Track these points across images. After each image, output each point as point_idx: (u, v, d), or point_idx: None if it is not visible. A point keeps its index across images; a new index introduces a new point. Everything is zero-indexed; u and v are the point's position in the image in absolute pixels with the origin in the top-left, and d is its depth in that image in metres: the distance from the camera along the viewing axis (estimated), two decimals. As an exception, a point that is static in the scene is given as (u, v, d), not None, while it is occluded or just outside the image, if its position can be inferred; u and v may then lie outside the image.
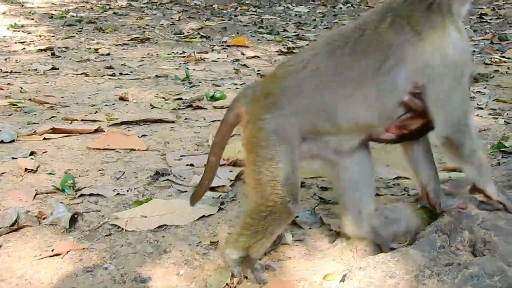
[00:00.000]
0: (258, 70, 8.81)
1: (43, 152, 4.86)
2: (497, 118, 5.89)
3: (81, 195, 4.05)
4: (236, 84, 7.76)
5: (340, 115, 2.97)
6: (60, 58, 9.53)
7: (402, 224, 3.27)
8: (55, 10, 15.47)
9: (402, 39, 2.90)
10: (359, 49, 2.95)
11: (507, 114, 6.02)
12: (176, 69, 8.72)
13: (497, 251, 2.76)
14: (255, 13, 16.44)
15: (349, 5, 19.04)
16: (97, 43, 11.07)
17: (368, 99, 2.93)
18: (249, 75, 8.52)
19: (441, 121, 2.95)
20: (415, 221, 3.30)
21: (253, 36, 12.46)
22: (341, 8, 18.30)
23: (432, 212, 3.33)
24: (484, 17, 14.40)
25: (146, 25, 13.39)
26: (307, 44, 11.29)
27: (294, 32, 13.20)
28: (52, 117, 5.95)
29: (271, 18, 15.48)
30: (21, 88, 7.19)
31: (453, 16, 2.96)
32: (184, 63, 9.16)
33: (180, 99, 6.82)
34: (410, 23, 2.92)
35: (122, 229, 3.58)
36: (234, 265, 3.09)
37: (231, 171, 4.43)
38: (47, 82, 7.66)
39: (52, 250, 3.30)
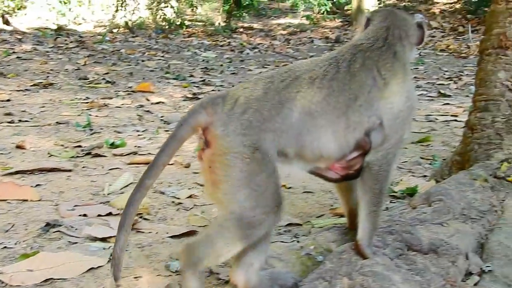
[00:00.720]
0: (162, 116, 8.83)
1: None
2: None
3: (-33, 249, 3.94)
4: (138, 131, 7.75)
5: (308, 143, 3.10)
6: (-43, 104, 9.28)
7: (288, 276, 3.34)
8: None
9: (371, 82, 3.19)
10: (335, 85, 3.15)
11: (399, 159, 6.23)
12: (78, 115, 8.62)
13: (373, 297, 2.86)
14: (162, 58, 16.52)
15: (256, 50, 19.40)
16: (-2, 88, 10.84)
17: (337, 133, 3.13)
18: (153, 121, 8.54)
19: (375, 153, 3.24)
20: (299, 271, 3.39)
21: (159, 82, 12.49)
22: (248, 53, 18.62)
23: (316, 260, 3.41)
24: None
25: (51, 70, 13.19)
26: (212, 90, 11.42)
27: (201, 77, 13.33)
28: None
29: (179, 63, 15.59)
30: None
31: (407, 62, 3.38)
32: (86, 109, 9.07)
33: (80, 146, 6.75)
34: (378, 67, 3.24)
35: (6, 284, 3.49)
36: None
37: (123, 221, 4.39)
38: None
39: None
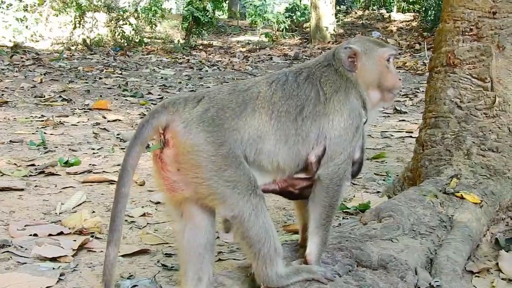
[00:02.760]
0: (118, 134, 8.77)
1: None
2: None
3: None
4: (93, 149, 7.69)
5: (265, 145, 3.18)
6: None
7: None
8: None
9: (315, 95, 3.31)
10: (286, 90, 3.30)
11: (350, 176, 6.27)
12: (33, 133, 8.52)
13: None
14: (120, 75, 16.44)
15: (215, 67, 19.43)
16: (-50, 108, 10.68)
17: (289, 141, 3.23)
18: (109, 139, 8.48)
19: (325, 167, 3.28)
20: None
21: (117, 99, 12.44)
22: (207, 70, 18.64)
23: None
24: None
25: (6, 87, 13.02)
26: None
27: (159, 94, 13.31)
28: None
29: (137, 81, 15.53)
30: None
31: (353, 83, 3.41)
32: (41, 128, 8.97)
33: (33, 165, 6.66)
34: (320, 82, 3.37)
35: (-49, 306, 3.43)
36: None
37: (75, 240, 4.35)
38: None
39: None
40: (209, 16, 26.70)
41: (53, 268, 3.93)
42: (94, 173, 6.45)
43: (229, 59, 22.48)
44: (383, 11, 32.49)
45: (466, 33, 4.68)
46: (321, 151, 3.30)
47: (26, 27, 23.88)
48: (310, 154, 3.29)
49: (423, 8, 28.76)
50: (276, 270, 3.14)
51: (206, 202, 3.15)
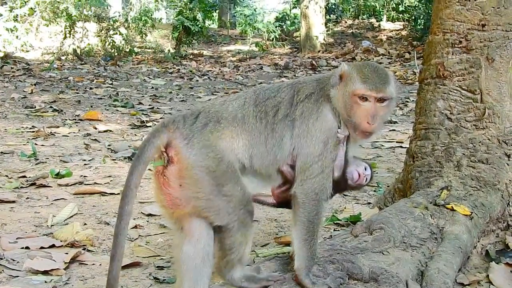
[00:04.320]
0: (109, 145, 8.77)
1: None
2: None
3: None
4: (84, 160, 7.67)
5: (255, 152, 3.31)
6: None
7: None
8: None
9: (289, 99, 3.40)
10: (267, 93, 3.45)
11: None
12: (24, 145, 8.51)
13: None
14: (111, 85, 16.42)
15: (205, 77, 19.44)
16: None
17: (268, 143, 3.33)
18: (100, 150, 8.47)
19: (298, 182, 3.33)
20: None
21: (107, 109, 12.42)
22: (197, 80, 18.65)
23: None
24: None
25: (-4, 98, 13.00)
26: (161, 117, 11.38)
27: (150, 105, 13.29)
28: None
29: (127, 91, 15.52)
30: None
31: (332, 100, 3.41)
32: (32, 139, 8.94)
33: (24, 177, 6.66)
34: (298, 88, 3.45)
35: None
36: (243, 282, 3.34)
37: (66, 253, 4.35)
38: None
39: None
40: (199, 26, 26.67)
41: (45, 282, 3.94)
42: (85, 184, 6.45)
43: (220, 69, 22.49)
44: (373, 20, 32.62)
45: (456, 45, 4.72)
46: (292, 160, 3.37)
47: (17, 37, 23.79)
48: (281, 163, 3.37)
49: (413, 17, 28.89)
50: (232, 274, 3.34)
51: (201, 214, 3.25)
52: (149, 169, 6.74)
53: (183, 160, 3.15)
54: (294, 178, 3.37)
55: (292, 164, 3.38)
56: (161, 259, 4.41)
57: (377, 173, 7.19)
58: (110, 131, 10.09)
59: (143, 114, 11.98)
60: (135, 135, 9.75)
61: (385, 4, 32.18)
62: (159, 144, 3.19)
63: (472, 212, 4.25)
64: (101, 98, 14.03)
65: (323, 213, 3.42)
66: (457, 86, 4.69)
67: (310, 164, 3.30)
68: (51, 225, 5.08)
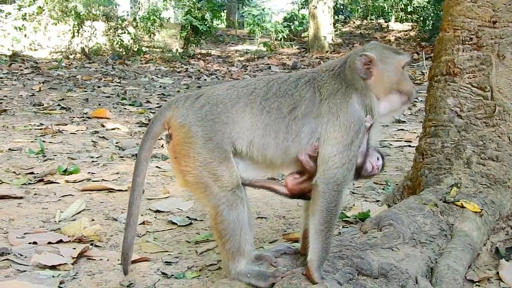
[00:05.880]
0: (117, 142, 8.76)
1: None
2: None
3: None
4: (92, 157, 7.67)
5: (256, 139, 3.41)
6: None
7: None
8: None
9: (310, 97, 3.42)
10: (282, 89, 3.49)
11: (353, 184, 6.28)
12: (32, 142, 8.50)
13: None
14: (119, 84, 16.43)
15: (213, 76, 19.44)
16: (-51, 116, 10.65)
17: (278, 137, 3.39)
18: (107, 147, 8.46)
19: (320, 172, 3.35)
20: None
21: (115, 108, 12.42)
22: (205, 79, 18.65)
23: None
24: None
25: (4, 96, 12.99)
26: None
27: (157, 103, 13.28)
28: None
29: (135, 89, 15.52)
30: None
31: (357, 89, 3.47)
32: (40, 136, 8.94)
33: (32, 173, 6.65)
34: (319, 85, 3.49)
35: (-49, 314, 3.41)
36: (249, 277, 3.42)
37: (74, 248, 4.33)
38: None
39: None
40: (207, 25, 26.71)
41: (53, 276, 3.92)
42: (93, 181, 6.43)
43: (227, 68, 22.50)
44: (381, 20, 32.62)
45: (466, 42, 4.69)
46: (312, 151, 3.40)
47: (25, 35, 23.89)
48: (300, 152, 3.41)
49: (421, 18, 28.88)
50: (236, 266, 3.44)
51: (192, 190, 3.55)
52: (157, 167, 6.75)
53: (175, 135, 3.43)
54: (311, 169, 3.43)
55: (311, 155, 3.42)
56: (169, 254, 4.39)
57: (385, 171, 7.15)
58: (118, 129, 10.08)
59: (151, 112, 11.97)
60: (143, 133, 9.71)
61: (394, 5, 32.13)
62: (164, 121, 3.52)
63: (482, 210, 4.22)
64: (109, 97, 14.03)
65: (341, 205, 3.48)
66: (467, 83, 4.66)
67: (334, 154, 3.35)
68: (59, 221, 5.07)
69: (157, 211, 5.41)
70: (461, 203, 4.21)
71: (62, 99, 12.98)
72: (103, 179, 6.50)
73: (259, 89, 3.50)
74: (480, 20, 4.64)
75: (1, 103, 12.13)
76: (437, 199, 4.29)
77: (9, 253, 4.26)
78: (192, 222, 5.15)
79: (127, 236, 3.66)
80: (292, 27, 31.97)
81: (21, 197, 5.69)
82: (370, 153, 3.70)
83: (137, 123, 10.75)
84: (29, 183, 6.27)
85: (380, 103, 3.55)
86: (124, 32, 25.89)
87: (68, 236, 4.60)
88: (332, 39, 27.60)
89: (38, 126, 9.91)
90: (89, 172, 6.78)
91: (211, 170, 3.37)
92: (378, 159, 3.76)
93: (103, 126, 10.23)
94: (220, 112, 3.41)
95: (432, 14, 26.67)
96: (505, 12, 4.57)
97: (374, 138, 3.70)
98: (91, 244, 4.50)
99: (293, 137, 3.39)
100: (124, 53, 25.11)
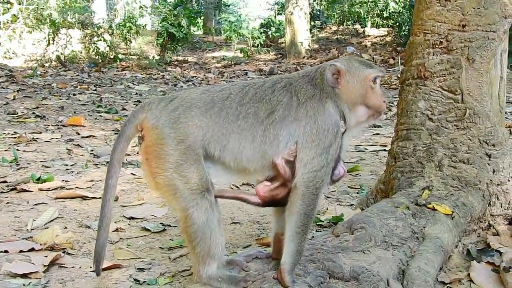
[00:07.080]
0: (92, 150, 8.71)
1: None
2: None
3: None
4: (66, 165, 7.62)
5: (230, 144, 3.41)
6: None
7: None
8: None
9: (287, 101, 3.45)
10: (258, 94, 3.51)
11: (328, 188, 6.29)
12: (5, 150, 8.42)
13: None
14: (95, 91, 16.33)
15: (190, 83, 19.41)
16: None
17: (255, 141, 3.41)
18: (82, 155, 8.41)
19: (299, 175, 3.38)
20: None
21: (91, 115, 12.36)
22: (182, 86, 18.61)
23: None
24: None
25: (-21, 105, 12.89)
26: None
27: (133, 110, 13.18)
28: None
29: (111, 97, 15.46)
30: None
31: (330, 96, 3.51)
32: (14, 144, 8.87)
33: (5, 182, 6.58)
34: (296, 90, 3.53)
35: None
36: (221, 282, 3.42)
37: (46, 256, 4.29)
38: None
39: None
40: (184, 32, 26.70)
41: (24, 285, 3.88)
42: (66, 189, 6.39)
43: (204, 75, 22.48)
44: (358, 26, 32.76)
45: (436, 46, 4.72)
46: (288, 155, 3.40)
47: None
48: (275, 156, 3.41)
49: (397, 23, 29.06)
50: (206, 270, 3.46)
51: (162, 192, 3.51)
52: (132, 174, 6.71)
53: (147, 137, 3.43)
54: (286, 174, 3.44)
55: (287, 159, 3.43)
56: (142, 261, 4.37)
57: (360, 175, 7.19)
58: (93, 136, 10.03)
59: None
60: (118, 140, 9.68)
61: (370, 10, 32.28)
62: (136, 123, 3.50)
63: (453, 212, 4.25)
64: (84, 104, 13.95)
65: (317, 208, 3.49)
66: (438, 87, 4.69)
67: (312, 157, 3.38)
68: (31, 229, 5.02)
69: (131, 218, 5.38)
70: (433, 206, 4.24)
71: (37, 107, 12.88)
72: (77, 187, 6.45)
73: (235, 94, 3.52)
74: (449, 24, 4.68)
75: (-25, 111, 12.03)
76: (409, 202, 4.32)
77: (-21, 262, 4.22)
78: (165, 228, 5.13)
79: (99, 237, 3.65)
80: (269, 33, 32.04)
81: (-7, 206, 5.64)
82: (341, 157, 3.72)
83: (113, 130, 10.70)
84: (2, 192, 6.21)
85: (350, 113, 3.59)
86: (100, 40, 25.79)
87: (40, 244, 4.56)
88: (309, 45, 27.69)
89: (12, 134, 9.83)
90: (63, 180, 6.73)
91: (181, 172, 3.36)
92: (343, 163, 3.78)
93: (78, 133, 10.18)
94: (194, 115, 3.42)
95: (407, 20, 26.82)
96: (474, 16, 4.61)
97: (345, 144, 3.70)
98: (63, 252, 4.46)
99: (271, 141, 3.41)
100: (100, 60, 25.00)
